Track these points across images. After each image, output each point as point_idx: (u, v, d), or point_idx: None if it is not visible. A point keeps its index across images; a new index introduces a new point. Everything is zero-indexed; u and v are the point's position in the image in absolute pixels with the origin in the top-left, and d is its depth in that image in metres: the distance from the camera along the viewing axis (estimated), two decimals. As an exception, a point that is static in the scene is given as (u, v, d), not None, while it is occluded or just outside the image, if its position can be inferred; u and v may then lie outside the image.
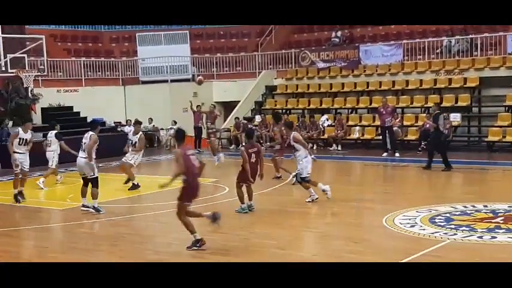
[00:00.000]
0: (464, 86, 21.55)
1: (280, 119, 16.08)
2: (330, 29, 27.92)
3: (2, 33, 17.82)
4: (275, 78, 26.68)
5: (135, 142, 15.18)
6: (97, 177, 12.25)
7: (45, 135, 20.78)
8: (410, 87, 22.68)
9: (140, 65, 27.27)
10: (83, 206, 12.36)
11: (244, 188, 11.77)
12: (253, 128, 21.24)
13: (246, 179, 11.61)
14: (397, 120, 20.94)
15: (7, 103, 21.42)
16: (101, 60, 27.38)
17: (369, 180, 16.54)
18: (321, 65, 25.43)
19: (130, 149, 15.31)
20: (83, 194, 12.36)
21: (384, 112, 19.63)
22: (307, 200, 12.43)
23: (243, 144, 23.48)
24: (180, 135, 9.74)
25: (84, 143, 12.23)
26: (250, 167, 11.53)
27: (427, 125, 19.96)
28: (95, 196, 12.18)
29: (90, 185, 12.24)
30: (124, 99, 26.44)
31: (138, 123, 15.97)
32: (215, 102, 26.74)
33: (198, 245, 9.11)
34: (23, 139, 13.54)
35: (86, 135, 12.41)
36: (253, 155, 11.55)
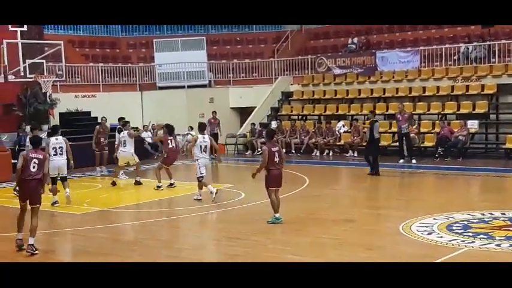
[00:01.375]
0: (482, 93, 21.41)
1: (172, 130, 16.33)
2: (346, 35, 27.91)
3: (21, 39, 18.02)
4: (291, 84, 26.68)
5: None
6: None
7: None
8: (427, 93, 22.57)
9: (157, 70, 27.41)
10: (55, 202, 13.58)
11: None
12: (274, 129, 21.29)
13: (274, 183, 11.20)
14: (414, 126, 20.85)
15: (25, 108, 21.62)
16: (118, 66, 27.56)
17: (386, 187, 16.47)
18: (337, 71, 25.39)
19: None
20: (56, 192, 13.64)
21: (401, 118, 19.55)
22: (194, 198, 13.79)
23: (259, 149, 23.73)
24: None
25: (61, 148, 13.63)
26: (275, 168, 11.17)
27: (444, 131, 19.97)
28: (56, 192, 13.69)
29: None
30: (141, 105, 26.58)
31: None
32: (231, 107, 26.85)
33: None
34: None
35: (59, 140, 13.74)
36: (276, 154, 11.21)
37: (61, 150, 13.72)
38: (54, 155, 13.51)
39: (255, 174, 11.42)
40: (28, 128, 21.14)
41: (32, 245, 9.67)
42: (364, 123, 20.95)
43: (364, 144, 21.99)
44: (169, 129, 16.15)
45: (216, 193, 13.71)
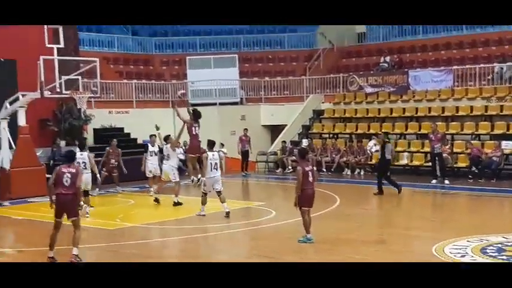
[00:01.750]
0: (516, 113, 21.13)
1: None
2: (378, 54, 27.86)
3: (57, 55, 18.35)
4: (323, 103, 26.67)
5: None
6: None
7: (97, 156, 21.32)
8: (460, 113, 22.35)
9: (189, 87, 27.66)
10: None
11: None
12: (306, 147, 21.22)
13: (308, 203, 11.13)
14: (447, 146, 20.65)
15: (60, 123, 21.99)
16: (152, 83, 27.90)
17: (417, 207, 16.30)
18: (369, 89, 25.32)
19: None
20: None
21: (434, 138, 19.39)
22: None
23: (290, 167, 23.73)
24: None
25: (84, 163, 14.22)
26: (309, 188, 11.09)
27: (474, 151, 19.76)
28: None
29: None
30: (173, 121, 26.76)
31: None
32: (263, 125, 26.91)
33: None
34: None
35: (83, 155, 14.43)
36: (310, 174, 11.12)
37: (84, 165, 14.18)
38: None
39: (296, 198, 11.15)
40: (63, 143, 21.53)
41: (77, 255, 9.85)
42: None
43: (397, 163, 21.93)
44: (196, 115, 15.73)
45: (202, 214, 14.09)
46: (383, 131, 21.27)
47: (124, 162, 19.41)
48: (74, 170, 10.06)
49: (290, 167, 24.04)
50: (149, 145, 18.10)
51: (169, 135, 17.50)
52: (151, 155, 17.68)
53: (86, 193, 14.35)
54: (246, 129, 24.21)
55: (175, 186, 16.35)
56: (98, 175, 14.77)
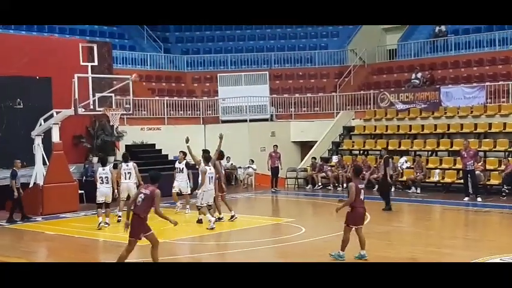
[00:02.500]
0: (551, 129, 20.80)
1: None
2: (409, 70, 27.72)
3: (91, 73, 18.68)
4: (353, 119, 26.60)
5: None
6: None
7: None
8: (493, 130, 22.07)
9: (221, 104, 27.85)
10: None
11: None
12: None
13: (358, 221, 10.98)
14: (480, 164, 20.38)
15: (93, 140, 22.33)
16: (183, 100, 28.17)
17: (449, 225, 16.11)
18: (400, 106, 25.16)
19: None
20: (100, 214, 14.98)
21: (466, 155, 19.17)
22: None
23: (320, 184, 23.69)
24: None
25: (106, 177, 15.18)
26: (360, 206, 10.93)
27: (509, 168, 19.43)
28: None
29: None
30: (204, 138, 26.99)
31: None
32: (293, 141, 26.91)
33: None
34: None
35: (106, 170, 15.30)
36: (362, 192, 10.95)
37: (107, 180, 15.25)
38: (100, 183, 15.20)
39: (339, 209, 11.13)
40: (95, 159, 21.82)
41: None
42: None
43: (428, 180, 21.73)
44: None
45: (214, 222, 14.53)
46: (383, 147, 21.61)
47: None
48: (148, 192, 9.88)
49: (320, 184, 23.98)
50: (176, 162, 18.19)
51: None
52: (177, 172, 17.77)
53: (107, 205, 15.37)
54: (275, 145, 24.25)
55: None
56: (116, 190, 15.55)
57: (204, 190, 14.67)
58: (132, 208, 9.98)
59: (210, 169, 14.73)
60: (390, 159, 18.11)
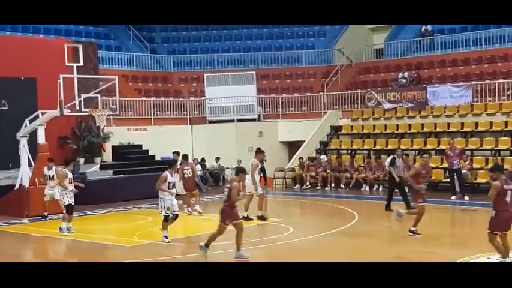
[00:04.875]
0: (537, 128, 20.92)
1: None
2: (396, 70, 27.79)
3: (77, 74, 18.55)
4: (340, 119, 26.63)
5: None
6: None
7: (115, 173, 21.46)
8: (480, 129, 22.17)
9: (208, 104, 27.77)
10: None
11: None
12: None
13: (503, 227, 9.80)
14: (466, 162, 20.45)
15: (79, 141, 22.18)
16: (170, 100, 28.07)
17: (437, 224, 16.13)
18: (387, 105, 25.21)
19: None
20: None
21: (452, 154, 19.24)
22: None
23: (308, 183, 23.66)
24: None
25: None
26: (505, 210, 9.73)
27: None
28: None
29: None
30: (191, 138, 26.92)
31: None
32: (280, 141, 26.89)
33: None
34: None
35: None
36: (509, 193, 9.69)
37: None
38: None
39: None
40: (81, 161, 21.69)
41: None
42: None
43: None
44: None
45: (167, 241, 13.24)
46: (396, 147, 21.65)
47: (142, 179, 19.48)
48: (229, 185, 11.41)
49: (308, 183, 23.98)
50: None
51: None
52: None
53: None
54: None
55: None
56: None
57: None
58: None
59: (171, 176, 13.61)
60: (397, 159, 17.75)
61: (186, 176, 17.06)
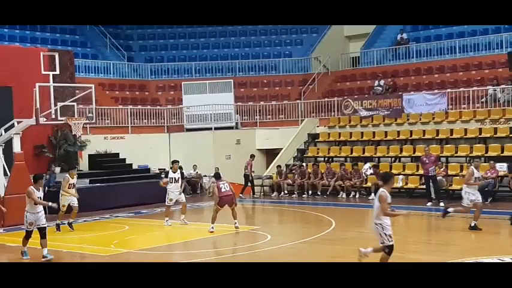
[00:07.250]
0: (511, 135, 21.23)
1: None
2: (372, 78, 28.04)
3: (53, 82, 18.43)
4: (317, 126, 26.78)
5: None
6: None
7: (92, 182, 21.32)
8: (454, 136, 22.46)
9: (185, 112, 27.75)
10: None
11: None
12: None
13: None
14: (442, 169, 20.69)
15: (56, 150, 22.00)
16: (147, 108, 28.00)
17: (413, 230, 16.28)
18: (364, 113, 25.43)
19: None
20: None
21: (427, 161, 19.47)
22: None
23: (285, 191, 23.74)
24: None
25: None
26: None
27: (489, 174, 19.59)
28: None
29: None
30: (168, 147, 26.85)
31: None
32: (258, 149, 26.95)
33: None
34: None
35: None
36: None
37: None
38: None
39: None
40: (58, 169, 21.50)
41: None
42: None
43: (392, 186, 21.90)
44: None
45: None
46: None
47: (119, 187, 19.37)
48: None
49: (285, 191, 24.05)
50: (170, 171, 17.24)
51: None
52: (171, 182, 16.96)
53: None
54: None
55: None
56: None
57: None
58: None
59: None
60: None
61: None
